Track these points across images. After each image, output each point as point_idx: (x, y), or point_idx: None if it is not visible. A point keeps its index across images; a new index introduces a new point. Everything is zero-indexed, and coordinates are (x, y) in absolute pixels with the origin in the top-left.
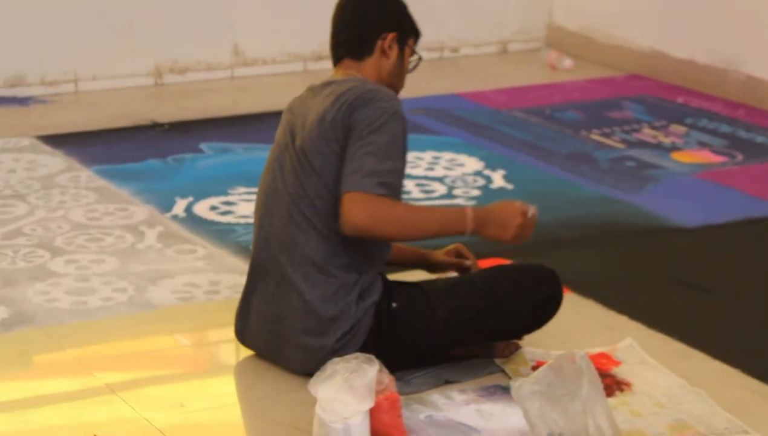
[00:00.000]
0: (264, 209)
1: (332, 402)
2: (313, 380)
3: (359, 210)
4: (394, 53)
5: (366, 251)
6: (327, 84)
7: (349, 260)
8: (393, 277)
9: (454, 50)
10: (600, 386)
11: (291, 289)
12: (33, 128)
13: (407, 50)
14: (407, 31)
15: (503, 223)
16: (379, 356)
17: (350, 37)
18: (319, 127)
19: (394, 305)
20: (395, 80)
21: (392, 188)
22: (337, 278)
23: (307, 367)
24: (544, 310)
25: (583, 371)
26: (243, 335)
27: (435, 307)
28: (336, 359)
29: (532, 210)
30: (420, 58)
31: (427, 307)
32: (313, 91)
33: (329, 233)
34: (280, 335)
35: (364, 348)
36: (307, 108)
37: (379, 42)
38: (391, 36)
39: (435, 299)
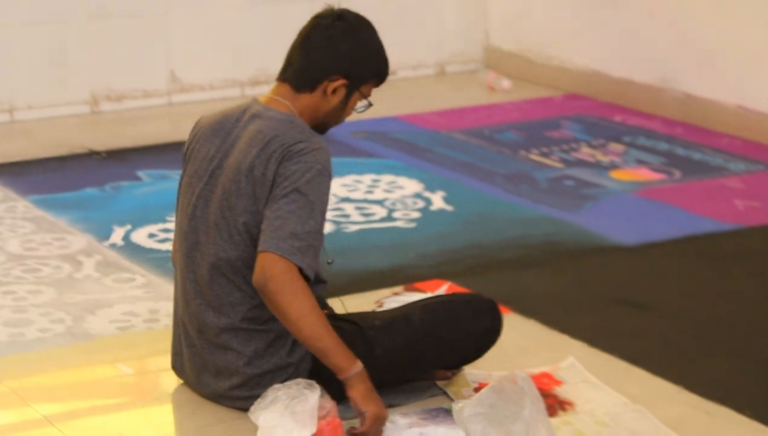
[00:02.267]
0: (185, 264)
1: (274, 429)
2: (253, 408)
3: (271, 272)
4: (337, 98)
5: None
6: (254, 116)
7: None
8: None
9: (392, 73)
10: (542, 406)
11: (223, 347)
12: None
13: (356, 96)
14: (361, 79)
15: (375, 401)
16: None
17: (299, 67)
18: (247, 181)
19: None
20: (330, 120)
21: (312, 250)
22: (270, 330)
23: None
24: (483, 342)
25: (525, 391)
26: (180, 372)
27: (373, 346)
28: (277, 385)
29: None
30: (370, 105)
31: (364, 345)
32: (237, 117)
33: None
34: (218, 383)
35: None
36: (231, 141)
37: (325, 82)
38: (339, 82)
39: (372, 337)
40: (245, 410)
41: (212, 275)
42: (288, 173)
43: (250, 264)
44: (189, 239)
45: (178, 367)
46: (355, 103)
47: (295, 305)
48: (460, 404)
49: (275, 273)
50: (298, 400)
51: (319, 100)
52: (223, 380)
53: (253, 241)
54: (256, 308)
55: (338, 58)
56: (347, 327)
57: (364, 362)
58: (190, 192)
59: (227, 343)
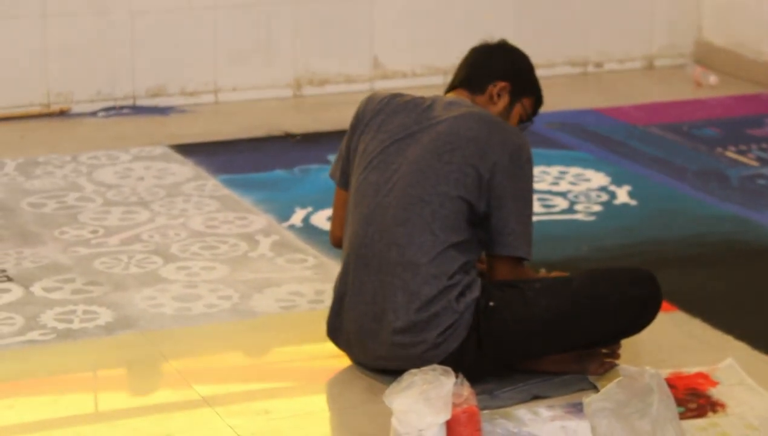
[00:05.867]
0: (373, 205)
1: (407, 414)
2: (388, 391)
3: (508, 274)
4: (501, 103)
5: (475, 254)
6: (451, 103)
7: (460, 263)
8: None
9: (598, 65)
10: (673, 405)
11: (397, 286)
12: (168, 137)
13: (518, 107)
14: (521, 89)
15: None
16: (475, 356)
17: (469, 73)
18: (467, 146)
19: (491, 303)
20: None
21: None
22: (445, 277)
23: (405, 364)
24: (642, 311)
25: (654, 389)
26: (336, 334)
27: (532, 305)
28: (414, 370)
29: None
30: (531, 123)
31: (523, 306)
32: (430, 103)
33: (445, 238)
34: (379, 333)
35: (463, 345)
36: (434, 116)
37: (490, 87)
38: (501, 85)
39: (532, 299)
40: (404, 363)
41: (403, 218)
42: (512, 172)
43: (445, 214)
44: (380, 184)
45: (334, 329)
46: (518, 115)
47: None
48: (589, 398)
49: (509, 276)
50: (434, 386)
51: (487, 103)
52: (386, 325)
53: (448, 194)
54: (437, 252)
55: (500, 64)
56: (509, 290)
57: (523, 322)
58: (379, 149)
59: (405, 283)
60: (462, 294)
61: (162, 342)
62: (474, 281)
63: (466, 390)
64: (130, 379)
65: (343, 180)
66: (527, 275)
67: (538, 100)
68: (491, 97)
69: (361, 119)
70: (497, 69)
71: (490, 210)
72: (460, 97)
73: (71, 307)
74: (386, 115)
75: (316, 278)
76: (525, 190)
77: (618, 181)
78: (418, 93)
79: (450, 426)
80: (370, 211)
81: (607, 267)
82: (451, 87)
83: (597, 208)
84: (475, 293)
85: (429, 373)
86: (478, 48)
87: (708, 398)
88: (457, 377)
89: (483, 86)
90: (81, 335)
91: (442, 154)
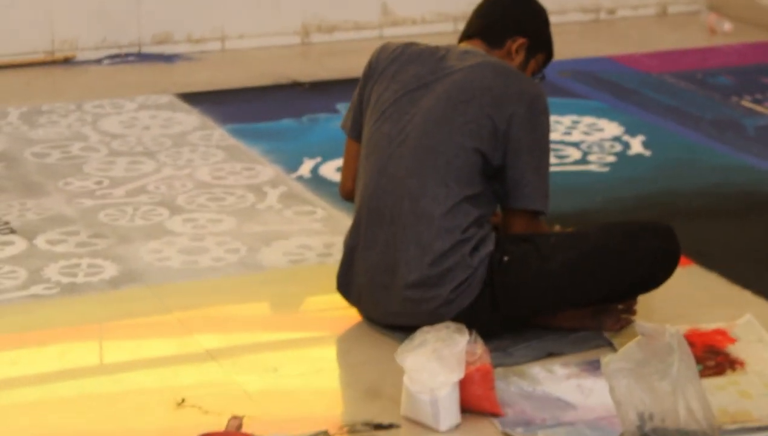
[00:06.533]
0: (386, 156)
1: (420, 372)
2: (401, 349)
3: (524, 227)
4: (519, 58)
5: (489, 208)
6: (466, 52)
7: (474, 216)
8: None
9: (611, 12)
10: (693, 364)
11: (410, 238)
12: (174, 86)
13: (533, 63)
14: (538, 45)
15: None
16: (489, 312)
17: (486, 24)
18: (483, 96)
19: (505, 258)
20: None
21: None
22: (459, 231)
23: (416, 320)
24: (660, 264)
25: (674, 348)
26: (347, 288)
27: (547, 260)
28: (426, 328)
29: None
30: (543, 78)
31: (538, 260)
32: (444, 53)
33: (459, 190)
34: (391, 287)
35: (477, 301)
36: (449, 66)
37: (508, 42)
38: (521, 41)
39: (547, 253)
40: (416, 318)
41: (417, 169)
42: (531, 127)
43: (459, 166)
44: (393, 134)
45: (344, 283)
46: (532, 71)
47: None
48: (607, 358)
49: (525, 229)
50: (447, 344)
51: (505, 57)
52: (399, 278)
53: (463, 145)
54: (452, 205)
55: (520, 19)
56: (523, 245)
57: (538, 276)
58: (392, 99)
59: (418, 235)
60: (476, 249)
61: (168, 297)
62: (488, 235)
63: (480, 348)
64: (136, 334)
65: (355, 131)
66: (543, 229)
67: (549, 56)
68: (509, 52)
69: (374, 69)
70: (517, 23)
71: (505, 162)
72: (475, 47)
73: (75, 260)
74: (400, 65)
75: (325, 230)
76: (542, 142)
77: (632, 131)
78: (429, 40)
79: (463, 385)
80: (382, 163)
81: (623, 221)
82: (466, 36)
83: (611, 158)
84: (489, 247)
85: (442, 330)
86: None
87: (726, 355)
88: (470, 334)
89: (502, 40)
90: (85, 289)
91: (458, 105)
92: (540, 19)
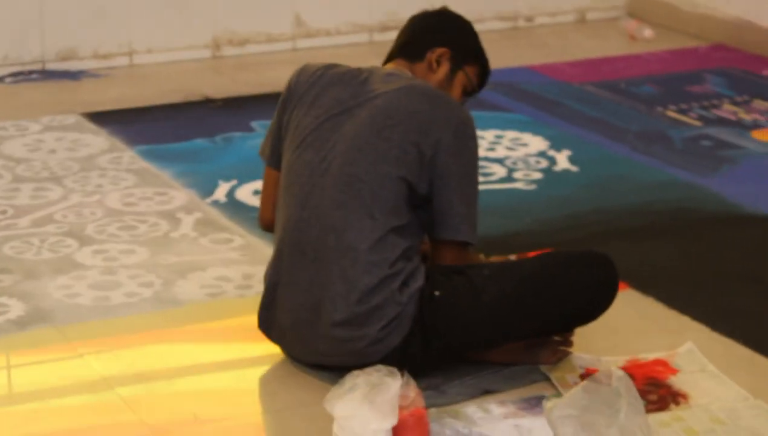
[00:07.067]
0: (308, 187)
1: (351, 420)
2: (330, 395)
3: (453, 258)
4: (442, 71)
5: (417, 239)
6: (389, 75)
7: (401, 248)
8: None
9: (529, 19)
10: (641, 408)
11: (335, 275)
12: (81, 105)
13: (461, 75)
14: (463, 55)
15: None
16: (420, 349)
17: (405, 41)
18: (408, 121)
19: (436, 293)
20: None
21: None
22: (386, 265)
23: (344, 360)
24: (596, 295)
25: (621, 393)
26: (269, 326)
27: (480, 292)
28: (356, 372)
29: None
30: (474, 95)
31: (472, 294)
32: (367, 75)
33: (384, 222)
34: (316, 325)
35: (407, 339)
36: (372, 89)
37: (428, 54)
38: (440, 51)
39: (480, 285)
40: (344, 358)
41: (340, 201)
42: (455, 150)
43: (385, 196)
44: (313, 165)
45: (266, 321)
46: (461, 85)
47: None
48: (550, 403)
49: (454, 261)
50: (379, 388)
51: (426, 71)
52: (324, 317)
53: (388, 175)
54: (377, 238)
55: (439, 32)
56: (455, 277)
57: (471, 311)
58: (314, 125)
59: (343, 271)
60: (405, 284)
61: (79, 338)
62: (417, 268)
63: (413, 390)
64: (45, 380)
65: (274, 159)
66: (473, 259)
67: (483, 69)
68: (430, 64)
69: (293, 93)
70: (434, 33)
71: (432, 191)
72: (399, 68)
73: None
74: (320, 89)
75: (243, 259)
76: (469, 169)
77: (557, 146)
78: (344, 52)
79: (396, 431)
80: (304, 193)
81: (559, 252)
82: (389, 57)
83: (537, 175)
84: (419, 281)
85: (373, 374)
86: (417, 15)
87: (669, 387)
88: (402, 375)
89: (421, 53)
90: None
91: (382, 131)
92: (460, 27)
